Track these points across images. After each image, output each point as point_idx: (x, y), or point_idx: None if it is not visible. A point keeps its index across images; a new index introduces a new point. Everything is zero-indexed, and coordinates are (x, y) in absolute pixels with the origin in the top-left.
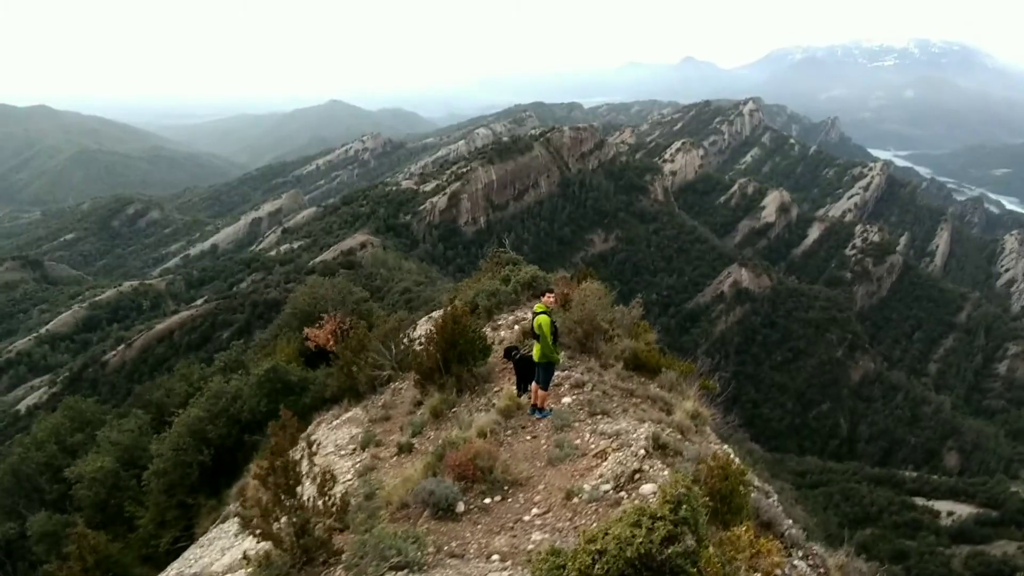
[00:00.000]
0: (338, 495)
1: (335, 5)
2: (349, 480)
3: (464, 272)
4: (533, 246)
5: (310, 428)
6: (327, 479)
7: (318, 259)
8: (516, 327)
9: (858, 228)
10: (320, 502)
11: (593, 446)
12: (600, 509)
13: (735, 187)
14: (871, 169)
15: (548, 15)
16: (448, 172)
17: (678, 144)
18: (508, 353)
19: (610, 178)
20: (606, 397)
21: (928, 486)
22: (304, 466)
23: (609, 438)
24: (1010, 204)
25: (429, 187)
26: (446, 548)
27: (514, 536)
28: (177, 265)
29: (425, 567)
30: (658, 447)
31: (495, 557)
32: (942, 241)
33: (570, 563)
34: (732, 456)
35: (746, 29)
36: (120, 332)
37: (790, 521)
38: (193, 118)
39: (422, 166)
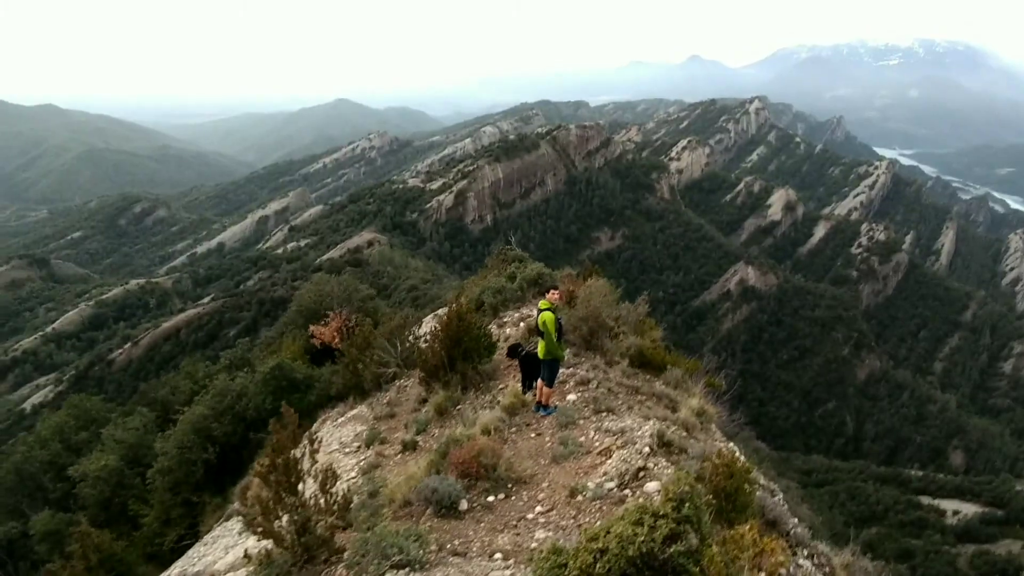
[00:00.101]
0: (340, 493)
1: (342, 4)
2: (353, 478)
3: (471, 270)
4: (539, 244)
5: (315, 426)
6: (329, 477)
7: (325, 257)
8: (521, 324)
9: (864, 227)
10: (322, 500)
11: (598, 443)
12: (604, 507)
13: (741, 185)
14: (877, 168)
15: (555, 14)
16: (455, 170)
17: (684, 142)
18: (512, 352)
19: (616, 176)
20: (611, 394)
21: (934, 485)
22: (306, 464)
23: (614, 435)
24: (1015, 203)
25: (436, 185)
26: (449, 546)
27: (517, 534)
28: (184, 263)
29: (427, 565)
30: (663, 444)
31: (498, 555)
32: (947, 240)
33: (571, 561)
34: (737, 454)
35: (752, 28)
36: (127, 330)
37: (795, 520)
38: (199, 117)
39: (429, 164)
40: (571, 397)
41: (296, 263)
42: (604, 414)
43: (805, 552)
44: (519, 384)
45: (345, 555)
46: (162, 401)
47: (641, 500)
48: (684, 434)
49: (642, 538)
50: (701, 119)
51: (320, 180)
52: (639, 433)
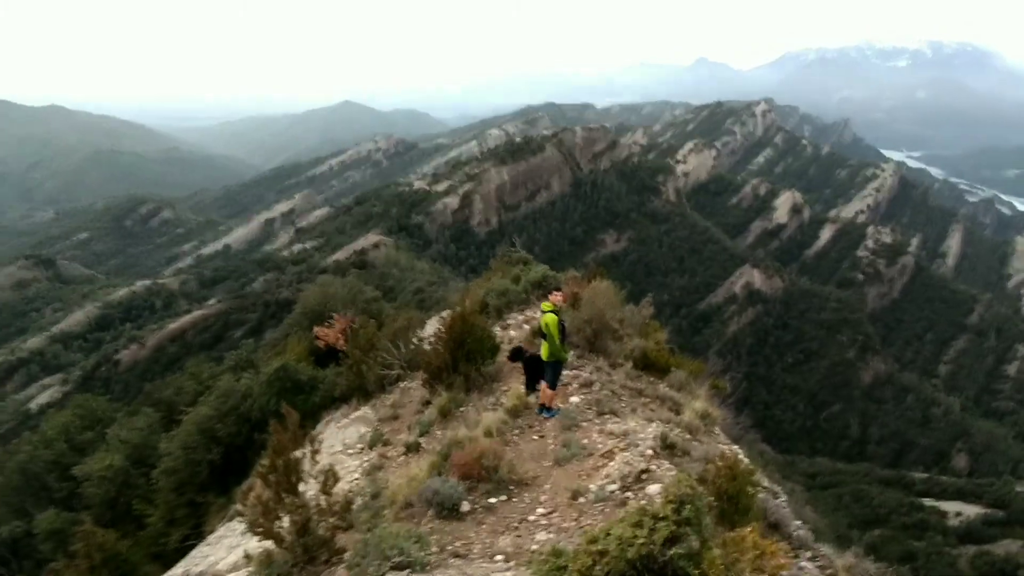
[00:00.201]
0: (341, 494)
1: (347, 7)
2: (356, 479)
3: (476, 272)
4: (545, 246)
5: (319, 427)
6: (329, 478)
7: (331, 259)
8: (526, 326)
9: (870, 229)
10: (322, 501)
11: (600, 446)
12: (606, 509)
13: (747, 188)
14: (883, 170)
15: (561, 17)
16: (460, 172)
17: (690, 145)
18: (515, 356)
19: (622, 179)
20: (614, 396)
21: (937, 487)
22: (307, 465)
23: (617, 438)
24: (1022, 206)
25: (441, 187)
26: (450, 548)
27: (519, 536)
28: (190, 265)
29: (428, 567)
30: (666, 447)
31: (499, 557)
32: (954, 242)
33: (571, 564)
34: (740, 456)
35: (759, 30)
36: (133, 331)
37: (798, 522)
38: (206, 120)
39: (434, 167)
40: (574, 399)
41: (302, 265)
42: (607, 416)
43: (808, 554)
44: (522, 386)
45: (346, 556)
46: (167, 401)
47: (643, 502)
48: (687, 437)
49: (642, 540)
50: (707, 121)
51: (326, 182)
52: (642, 435)
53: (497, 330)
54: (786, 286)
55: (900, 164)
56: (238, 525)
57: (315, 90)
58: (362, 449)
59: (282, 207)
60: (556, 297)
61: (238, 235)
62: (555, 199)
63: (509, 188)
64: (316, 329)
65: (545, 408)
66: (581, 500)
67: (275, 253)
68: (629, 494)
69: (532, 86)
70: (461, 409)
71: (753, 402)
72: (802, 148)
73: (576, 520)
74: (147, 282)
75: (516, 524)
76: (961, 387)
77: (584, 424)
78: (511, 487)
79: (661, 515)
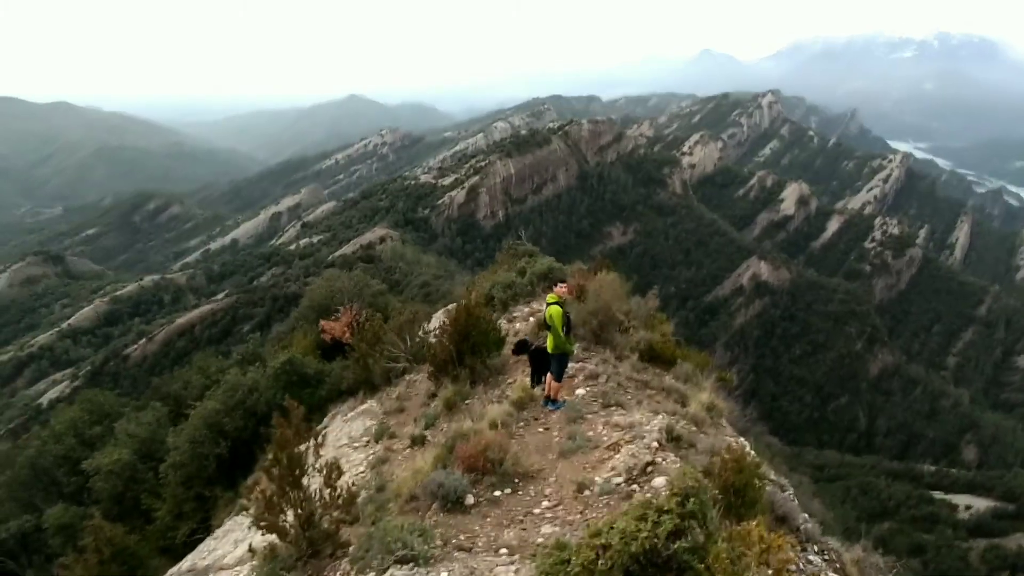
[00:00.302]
0: (345, 487)
1: (353, 1)
2: (362, 472)
3: (483, 266)
4: (551, 239)
5: (326, 420)
6: (333, 471)
7: (338, 253)
8: (531, 319)
9: (877, 221)
10: (326, 494)
11: (606, 438)
12: (612, 502)
13: (754, 180)
14: (890, 161)
15: (567, 9)
16: (466, 166)
17: (697, 137)
18: (519, 349)
19: (628, 171)
20: (620, 389)
21: (946, 480)
22: (311, 458)
23: (622, 430)
24: None
25: (448, 181)
26: (454, 541)
27: (524, 529)
28: (198, 260)
29: (432, 560)
30: (672, 439)
31: (503, 551)
32: (962, 234)
33: (574, 557)
34: (747, 449)
35: (764, 21)
36: (141, 326)
37: (806, 515)
38: (213, 115)
39: (440, 160)
40: (580, 391)
41: (309, 259)
42: (613, 408)
43: (815, 548)
44: (528, 378)
45: (350, 550)
46: (174, 396)
47: (649, 495)
48: (693, 429)
49: (645, 534)
50: (714, 113)
51: (333, 176)
52: (648, 428)
53: (503, 323)
54: (793, 278)
55: (907, 155)
56: (244, 519)
57: (321, 85)
58: (368, 442)
59: (289, 201)
60: (561, 289)
61: (245, 230)
62: (561, 192)
63: (515, 181)
64: (322, 323)
65: (550, 400)
66: (586, 493)
67: (282, 247)
68: (635, 487)
69: (538, 79)
70: (466, 402)
71: (760, 394)
72: (808, 139)
73: (581, 513)
74: (155, 277)
75: (521, 517)
76: (969, 379)
77: (589, 416)
78: (516, 480)
79: (665, 508)
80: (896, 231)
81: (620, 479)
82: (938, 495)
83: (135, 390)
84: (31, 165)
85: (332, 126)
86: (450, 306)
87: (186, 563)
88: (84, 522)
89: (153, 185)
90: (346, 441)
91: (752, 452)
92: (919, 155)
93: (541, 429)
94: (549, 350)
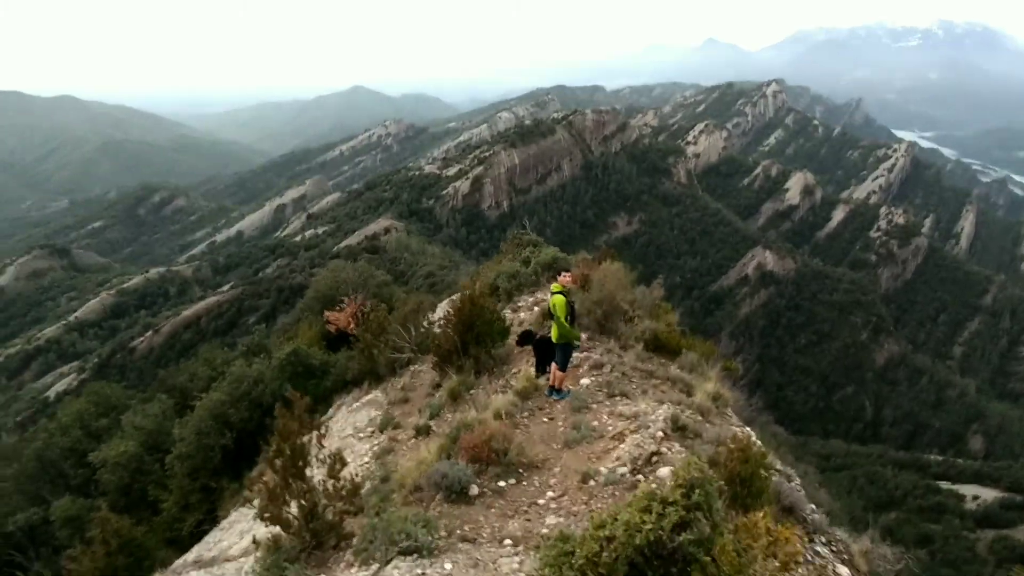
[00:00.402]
0: (348, 478)
1: None
2: (367, 462)
3: (488, 256)
4: (556, 230)
5: (331, 411)
6: (336, 462)
7: (342, 244)
8: (536, 309)
9: (883, 210)
10: (330, 485)
11: (611, 428)
12: (617, 492)
13: (759, 169)
14: (896, 151)
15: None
16: (471, 156)
17: (701, 126)
18: (523, 340)
19: (633, 161)
20: (625, 378)
21: (953, 470)
22: (314, 449)
23: (627, 420)
24: None
25: (452, 171)
26: (458, 532)
27: (528, 520)
28: (203, 252)
29: (436, 552)
30: (677, 429)
31: (508, 541)
32: (967, 223)
33: (578, 549)
34: (753, 438)
35: (769, 10)
36: (148, 318)
37: (813, 506)
38: (217, 107)
39: (445, 151)
40: (585, 381)
41: (314, 250)
42: (618, 398)
43: (823, 539)
44: (532, 368)
45: (354, 541)
46: (180, 388)
47: (654, 485)
48: (699, 418)
49: (650, 526)
50: (718, 103)
51: (337, 168)
52: (653, 417)
53: (507, 313)
54: (798, 267)
55: (912, 144)
56: (250, 510)
57: (325, 76)
58: (373, 432)
59: (293, 193)
60: (565, 279)
61: (250, 221)
62: (566, 182)
63: (520, 171)
64: (327, 313)
65: (555, 390)
66: (591, 483)
67: (287, 239)
68: (640, 477)
69: (542, 69)
70: (471, 392)
71: (765, 384)
72: (813, 129)
73: (586, 503)
74: (161, 269)
75: (525, 508)
76: (975, 369)
77: (594, 406)
78: (520, 470)
79: (670, 500)
80: (901, 220)
81: (625, 469)
82: (945, 485)
83: (141, 382)
84: (37, 159)
85: (336, 117)
86: (454, 296)
87: (192, 554)
88: (91, 514)
89: (158, 178)
90: (351, 431)
91: (758, 442)
92: (924, 144)
93: (546, 419)
94: (554, 340)
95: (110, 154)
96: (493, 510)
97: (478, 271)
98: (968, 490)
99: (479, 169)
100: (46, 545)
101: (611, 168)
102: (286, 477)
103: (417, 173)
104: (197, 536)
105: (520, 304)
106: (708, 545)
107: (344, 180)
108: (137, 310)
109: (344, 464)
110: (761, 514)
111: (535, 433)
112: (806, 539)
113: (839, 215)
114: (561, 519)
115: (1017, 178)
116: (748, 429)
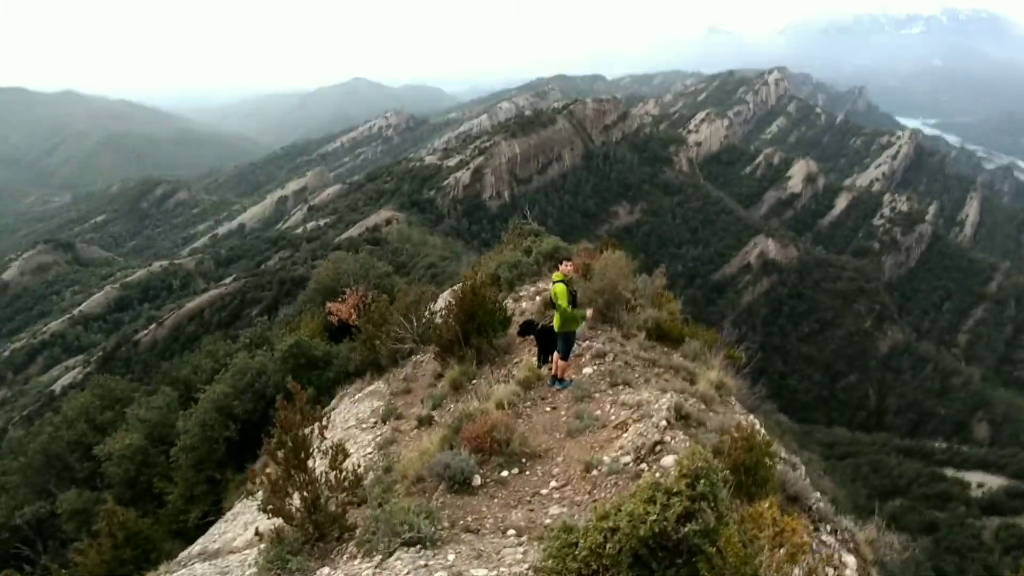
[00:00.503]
0: (350, 469)
1: None
2: (369, 453)
3: (489, 247)
4: (557, 219)
5: (333, 402)
6: (338, 453)
7: (344, 236)
8: (537, 298)
9: (886, 197)
10: (332, 477)
11: (614, 417)
12: (620, 482)
13: (760, 157)
14: (899, 138)
15: None
16: (471, 147)
17: (702, 115)
18: (525, 330)
19: (634, 150)
20: (628, 367)
21: (958, 457)
22: (316, 440)
23: (630, 409)
24: None
25: (453, 162)
26: (461, 523)
27: (531, 510)
28: (205, 244)
29: (439, 542)
30: (680, 418)
31: (511, 532)
32: (972, 210)
33: (582, 540)
34: (757, 426)
35: None
36: (151, 311)
37: (818, 494)
38: (218, 100)
39: (445, 141)
40: (587, 370)
41: (315, 242)
42: (620, 387)
43: (828, 527)
44: (534, 358)
45: (357, 532)
46: (184, 380)
47: (658, 475)
48: (702, 407)
49: (654, 517)
50: (719, 91)
51: (338, 159)
52: (656, 406)
53: (509, 302)
54: (801, 255)
55: (916, 131)
56: (253, 502)
57: (326, 69)
58: (375, 423)
59: (294, 185)
60: (567, 267)
61: (252, 214)
62: (567, 172)
63: (520, 161)
64: (329, 305)
65: (557, 379)
66: (594, 472)
67: (289, 231)
68: (643, 466)
69: (542, 58)
70: (473, 382)
71: (768, 372)
72: (816, 116)
73: (590, 493)
74: (164, 263)
75: (529, 498)
76: (980, 357)
77: (597, 395)
78: (523, 460)
79: (675, 490)
80: (905, 208)
81: (628, 458)
82: (950, 472)
83: (146, 375)
84: (40, 154)
85: (337, 109)
86: (456, 287)
87: (197, 546)
88: (97, 507)
89: (160, 171)
90: (354, 422)
91: (762, 430)
92: (928, 131)
93: (548, 409)
94: (556, 329)
95: (112, 148)
96: (496, 500)
97: (479, 261)
98: (973, 478)
99: (480, 159)
100: (53, 538)
101: (612, 157)
102: (288, 469)
103: (418, 164)
104: (203, 528)
105: (522, 294)
106: (713, 536)
107: (345, 171)
108: (141, 303)
109: (346, 455)
110: (767, 504)
111: (538, 423)
112: (812, 528)
113: (842, 203)
114: (564, 509)
115: (1022, 165)
116: (752, 417)
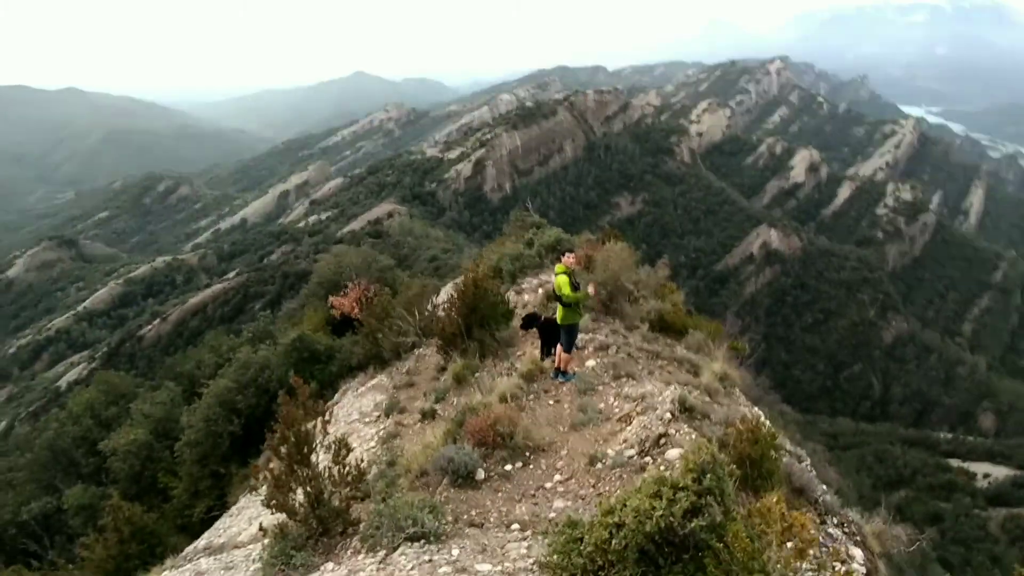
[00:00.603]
0: (353, 463)
1: None
2: (373, 447)
3: (491, 239)
4: (559, 211)
5: (336, 396)
6: (341, 447)
7: (346, 229)
8: (540, 291)
9: (890, 187)
10: (335, 471)
11: (617, 410)
12: (624, 475)
13: (763, 147)
14: (902, 127)
15: None
16: (472, 139)
17: (704, 104)
18: (528, 323)
19: (635, 141)
20: (631, 360)
21: (963, 447)
22: (319, 435)
23: (634, 401)
24: None
25: (454, 155)
26: (465, 517)
27: (535, 504)
28: (208, 239)
29: (443, 537)
30: (684, 410)
31: (515, 526)
32: (976, 199)
33: (587, 536)
34: (762, 419)
35: None
36: (155, 307)
37: (824, 487)
38: (219, 96)
39: (446, 134)
40: (590, 363)
41: (318, 236)
42: (624, 379)
43: (835, 520)
44: (537, 351)
45: (360, 527)
46: (188, 375)
47: (662, 468)
48: (706, 399)
49: (660, 512)
50: (721, 81)
51: (339, 153)
52: (660, 399)
53: (511, 295)
54: (804, 245)
55: (919, 120)
56: (257, 497)
57: (327, 63)
58: (378, 417)
59: (296, 179)
60: (569, 259)
61: (254, 208)
62: (568, 163)
63: (522, 153)
64: (332, 299)
65: (561, 372)
66: (598, 466)
67: (291, 225)
68: (647, 459)
69: (542, 50)
70: (476, 375)
71: (772, 363)
72: (818, 106)
73: (594, 486)
74: (167, 258)
75: (533, 492)
76: (985, 346)
77: (600, 388)
78: (527, 453)
79: (681, 485)
80: (909, 197)
81: (632, 451)
82: (955, 463)
83: (151, 370)
84: (44, 152)
85: (338, 103)
86: (458, 280)
87: (202, 541)
88: (103, 502)
89: (162, 167)
90: (357, 416)
91: (767, 422)
92: (932, 120)
93: (551, 402)
94: (559, 321)
95: (115, 144)
96: (500, 494)
97: (481, 254)
98: (979, 468)
99: (481, 152)
100: (60, 533)
101: (613, 148)
102: (291, 464)
103: (419, 157)
104: (208, 522)
105: (524, 286)
106: (720, 531)
107: (346, 165)
108: (144, 299)
109: (349, 450)
110: (775, 498)
111: (541, 416)
112: (818, 521)
113: (845, 192)
114: (569, 503)
115: None
116: (757, 409)
